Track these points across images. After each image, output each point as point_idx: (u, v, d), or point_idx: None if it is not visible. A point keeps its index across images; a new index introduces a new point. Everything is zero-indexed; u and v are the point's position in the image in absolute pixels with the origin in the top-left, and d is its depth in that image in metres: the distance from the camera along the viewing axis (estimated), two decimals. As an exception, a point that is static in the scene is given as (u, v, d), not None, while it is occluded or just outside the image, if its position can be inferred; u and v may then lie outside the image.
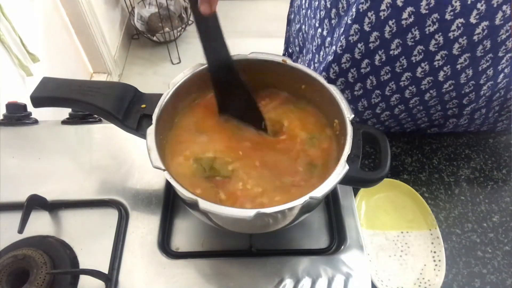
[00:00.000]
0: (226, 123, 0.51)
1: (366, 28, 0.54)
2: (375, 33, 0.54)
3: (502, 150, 0.63)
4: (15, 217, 0.46)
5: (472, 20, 0.50)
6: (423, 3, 0.49)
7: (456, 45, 0.52)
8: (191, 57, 2.16)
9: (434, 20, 0.50)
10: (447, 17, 0.50)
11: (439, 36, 0.52)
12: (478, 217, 0.55)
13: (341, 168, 0.40)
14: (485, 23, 0.50)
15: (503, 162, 0.62)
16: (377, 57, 0.57)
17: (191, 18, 2.24)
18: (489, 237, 0.51)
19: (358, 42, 0.56)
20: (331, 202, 0.52)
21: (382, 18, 0.52)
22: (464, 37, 0.52)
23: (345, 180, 0.40)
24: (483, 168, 0.61)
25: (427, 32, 0.52)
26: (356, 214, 0.50)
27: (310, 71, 0.49)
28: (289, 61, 0.49)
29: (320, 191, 0.38)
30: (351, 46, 0.57)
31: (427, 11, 0.50)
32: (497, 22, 0.50)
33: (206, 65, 0.47)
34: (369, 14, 0.53)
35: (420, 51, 0.54)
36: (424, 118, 0.67)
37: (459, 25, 0.50)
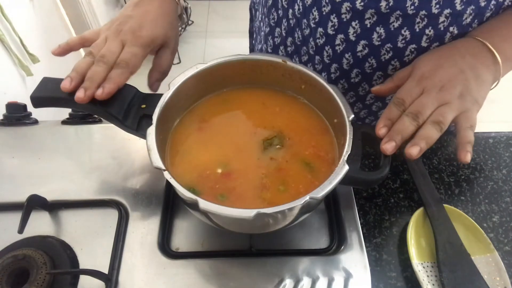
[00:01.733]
0: (226, 124, 0.51)
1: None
2: (362, 42, 0.55)
3: (502, 150, 0.63)
4: (15, 217, 0.46)
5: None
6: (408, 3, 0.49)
7: (448, 34, 0.53)
8: (191, 57, 2.16)
9: (423, 16, 0.50)
10: (434, 11, 0.50)
11: (429, 31, 0.52)
12: (478, 217, 0.55)
13: (341, 168, 0.40)
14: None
15: (503, 162, 0.61)
16: (367, 65, 0.58)
17: (191, 18, 2.24)
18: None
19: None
20: (331, 202, 0.52)
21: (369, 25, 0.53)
22: (455, 27, 0.51)
23: (345, 180, 0.40)
24: (483, 168, 0.61)
25: (417, 30, 0.52)
26: (356, 214, 0.50)
27: (310, 71, 0.49)
28: (289, 61, 0.49)
29: (320, 191, 0.38)
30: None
31: (413, 11, 0.50)
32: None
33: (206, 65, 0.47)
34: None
35: (413, 49, 0.55)
36: None
37: (447, 14, 0.50)
